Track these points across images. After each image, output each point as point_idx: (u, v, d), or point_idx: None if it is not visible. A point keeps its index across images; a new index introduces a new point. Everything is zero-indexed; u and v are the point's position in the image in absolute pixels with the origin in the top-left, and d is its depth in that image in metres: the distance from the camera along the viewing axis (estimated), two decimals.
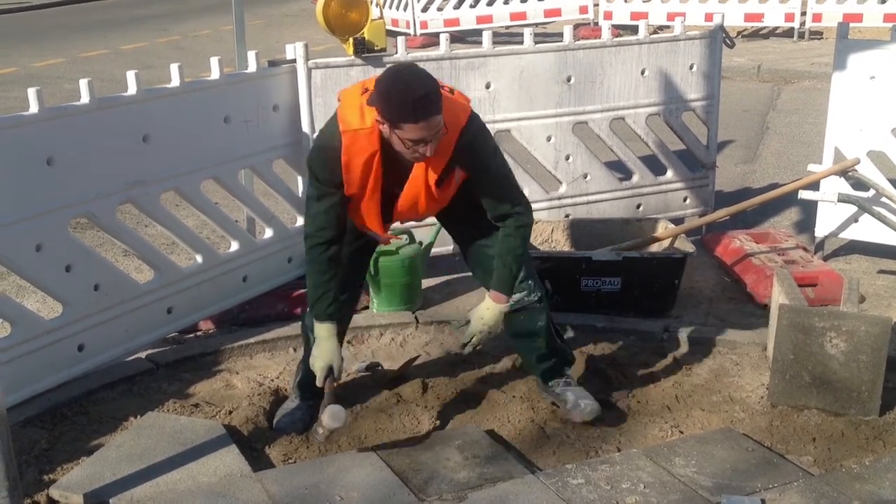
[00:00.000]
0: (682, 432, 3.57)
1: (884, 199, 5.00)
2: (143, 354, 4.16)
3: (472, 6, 14.21)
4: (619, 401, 3.82)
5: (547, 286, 4.16)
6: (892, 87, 4.95)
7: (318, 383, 3.34)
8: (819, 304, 4.36)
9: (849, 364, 3.60)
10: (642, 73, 5.25)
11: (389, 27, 12.44)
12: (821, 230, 5.35)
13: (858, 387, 3.61)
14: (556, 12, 14.58)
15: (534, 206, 3.54)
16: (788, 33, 14.09)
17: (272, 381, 4.00)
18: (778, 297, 3.95)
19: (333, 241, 3.26)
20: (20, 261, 3.57)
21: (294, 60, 4.51)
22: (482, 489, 3.13)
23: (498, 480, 3.18)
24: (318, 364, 3.32)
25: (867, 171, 5.04)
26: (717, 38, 5.45)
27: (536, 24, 13.90)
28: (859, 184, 5.04)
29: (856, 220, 5.20)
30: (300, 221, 4.74)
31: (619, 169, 5.55)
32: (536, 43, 5.00)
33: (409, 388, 3.89)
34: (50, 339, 3.72)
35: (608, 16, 14.04)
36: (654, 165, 5.54)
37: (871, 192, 5.04)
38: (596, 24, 14.25)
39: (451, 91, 3.18)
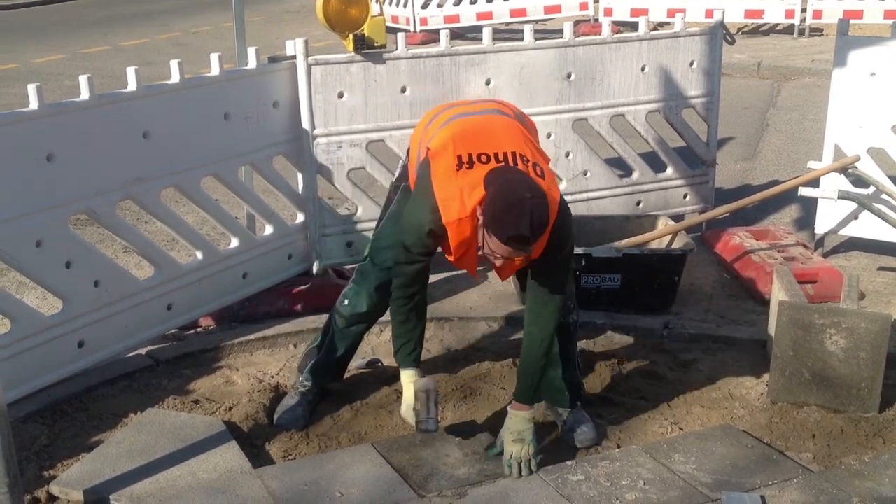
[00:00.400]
0: (681, 429, 3.57)
1: (884, 196, 5.00)
2: (143, 351, 4.17)
3: (472, 3, 14.20)
4: (619, 397, 3.82)
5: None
6: (893, 83, 4.94)
7: (421, 408, 3.27)
8: (819, 301, 4.36)
9: (848, 361, 3.60)
10: (642, 69, 5.24)
11: (389, 24, 12.43)
12: (821, 227, 5.35)
13: (858, 384, 3.61)
14: (557, 9, 14.56)
15: None
16: (789, 30, 14.08)
17: (272, 377, 4.00)
18: (778, 293, 3.96)
19: (416, 294, 3.29)
20: (20, 257, 3.57)
21: (294, 57, 4.50)
22: (482, 486, 3.13)
23: (498, 477, 3.18)
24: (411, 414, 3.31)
25: (867, 167, 5.04)
26: (718, 35, 5.44)
27: (536, 21, 13.87)
28: (859, 180, 5.04)
29: (856, 217, 5.20)
30: (300, 218, 4.74)
31: (619, 166, 5.55)
32: (536, 39, 4.99)
33: None
34: (50, 335, 3.71)
35: (608, 12, 14.01)
36: (654, 162, 5.54)
37: (872, 189, 5.03)
38: (596, 20, 14.23)
39: (542, 174, 3.05)
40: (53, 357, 3.74)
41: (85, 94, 3.69)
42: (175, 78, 4.05)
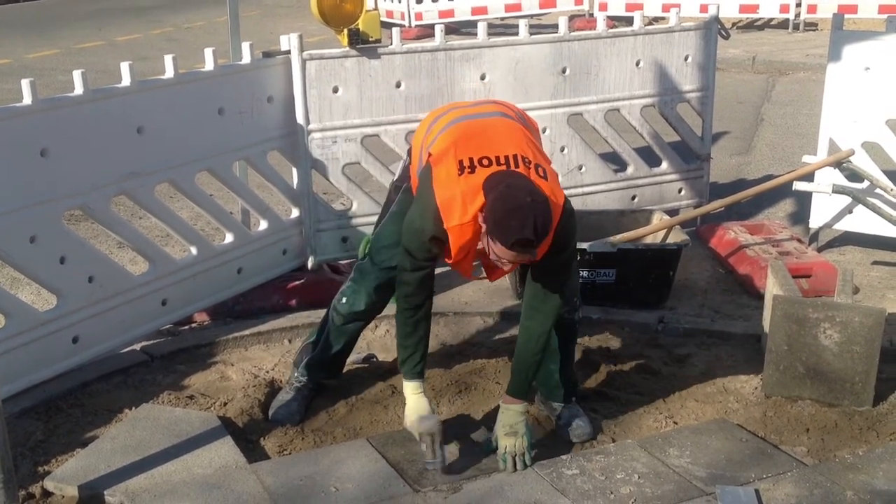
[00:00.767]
0: (676, 423, 3.58)
1: (878, 191, 5.01)
2: (137, 346, 4.16)
3: None
4: (614, 392, 3.83)
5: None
6: (887, 78, 4.95)
7: (427, 450, 3.19)
8: (813, 295, 4.37)
9: (842, 355, 3.61)
10: (637, 64, 5.24)
11: (384, 18, 12.42)
12: (815, 221, 5.36)
13: (852, 377, 3.62)
14: (552, 3, 14.57)
15: None
16: (783, 24, 14.10)
17: (267, 372, 4.00)
18: (772, 288, 3.96)
19: (422, 304, 3.26)
20: (14, 252, 3.56)
21: (289, 52, 4.50)
22: (477, 480, 3.14)
23: (493, 471, 3.19)
24: (417, 426, 3.22)
25: (862, 162, 5.04)
26: (712, 30, 5.44)
27: (531, 16, 13.87)
28: (854, 175, 5.04)
29: (850, 212, 5.21)
30: (295, 213, 4.74)
31: (613, 160, 5.55)
32: (532, 34, 4.99)
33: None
34: (44, 330, 3.71)
35: (603, 7, 14.03)
36: (648, 157, 5.54)
37: (866, 184, 5.04)
38: (591, 15, 14.25)
39: (545, 175, 3.03)
40: (48, 353, 3.74)
41: (79, 89, 3.69)
42: (169, 73, 4.04)
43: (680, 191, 5.64)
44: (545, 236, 2.87)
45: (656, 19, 13.02)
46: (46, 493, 3.12)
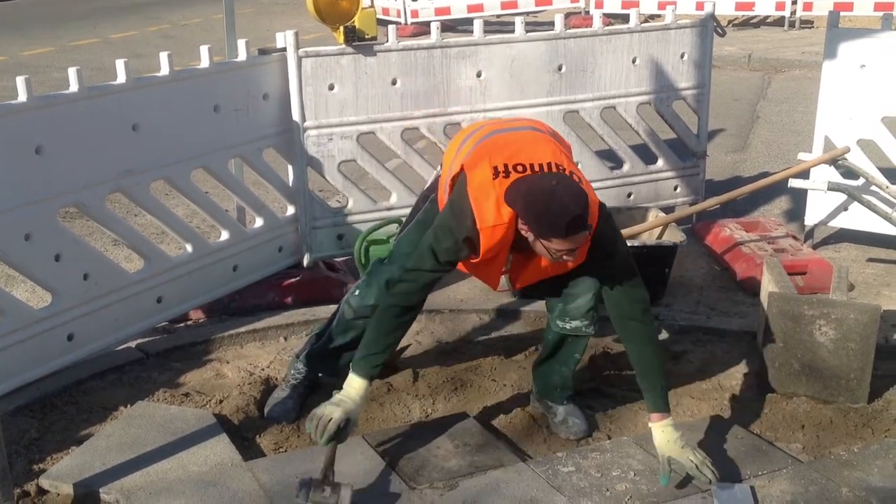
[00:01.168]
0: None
1: (873, 188, 5.01)
2: (132, 344, 4.15)
3: None
4: (609, 389, 3.83)
5: None
6: (882, 75, 4.96)
7: (324, 439, 2.99)
8: (808, 292, 4.37)
9: (838, 352, 3.61)
10: (633, 61, 5.24)
11: (380, 16, 12.39)
12: (810, 218, 5.36)
13: (847, 374, 3.62)
14: (547, 1, 14.57)
15: None
16: (779, 22, 14.10)
17: (263, 370, 4.00)
18: (768, 285, 3.97)
19: (414, 307, 3.20)
20: (9, 250, 3.55)
21: (284, 49, 4.49)
22: (473, 477, 3.14)
23: (489, 468, 3.19)
24: (337, 414, 3.01)
25: (857, 159, 5.05)
26: (708, 27, 5.44)
27: (528, 13, 13.86)
28: (849, 172, 5.05)
29: (845, 209, 5.22)
30: (290, 210, 4.73)
31: (609, 158, 5.55)
32: (527, 32, 4.99)
33: (399, 377, 3.89)
34: (39, 328, 3.70)
35: (599, 4, 14.02)
36: (644, 154, 5.54)
37: (861, 181, 5.05)
38: (587, 12, 14.24)
39: (580, 180, 3.04)
40: (43, 350, 3.73)
41: (74, 87, 3.68)
42: (164, 70, 4.03)
43: (676, 188, 5.64)
44: (587, 206, 2.86)
45: (652, 17, 13.02)
46: (42, 491, 3.12)
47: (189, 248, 4.31)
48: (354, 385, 3.11)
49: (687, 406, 3.69)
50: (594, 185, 5.30)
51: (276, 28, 4.93)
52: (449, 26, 13.03)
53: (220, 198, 5.02)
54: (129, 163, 3.92)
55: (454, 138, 3.47)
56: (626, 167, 5.48)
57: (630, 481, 3.10)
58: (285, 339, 4.30)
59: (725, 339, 4.25)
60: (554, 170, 3.00)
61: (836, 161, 4.99)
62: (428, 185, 3.66)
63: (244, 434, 3.49)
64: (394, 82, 4.71)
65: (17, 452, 3.32)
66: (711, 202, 5.06)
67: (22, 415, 3.57)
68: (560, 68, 5.07)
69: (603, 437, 3.49)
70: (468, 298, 4.71)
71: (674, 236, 4.64)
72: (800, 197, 5.59)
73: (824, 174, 5.07)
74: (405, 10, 14.30)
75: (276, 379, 3.88)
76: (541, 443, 3.48)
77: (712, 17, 5.46)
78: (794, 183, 5.01)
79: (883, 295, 4.78)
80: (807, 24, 13.88)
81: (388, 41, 4.68)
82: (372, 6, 4.68)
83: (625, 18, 5.34)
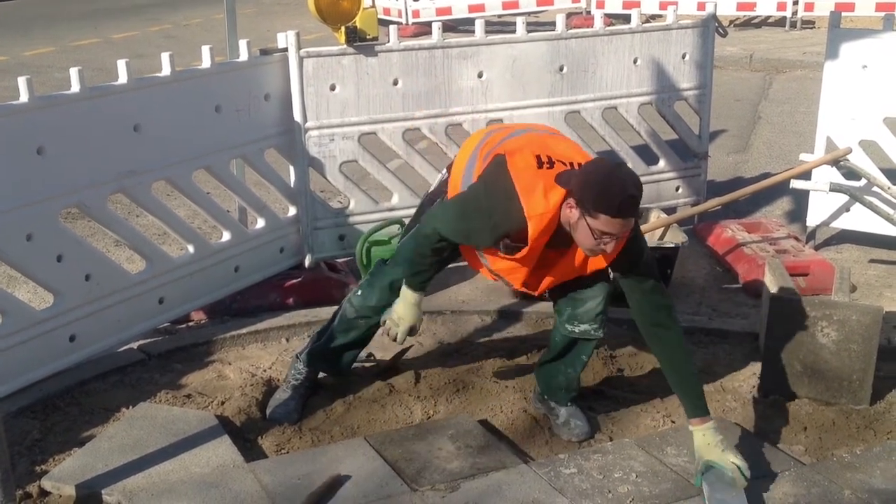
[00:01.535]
0: (674, 422, 3.58)
1: (875, 189, 5.01)
2: (134, 345, 4.15)
3: None
4: (611, 391, 3.83)
5: None
6: (884, 76, 4.95)
7: (399, 339, 3.44)
8: (810, 293, 4.37)
9: (840, 353, 3.61)
10: (635, 62, 5.24)
11: (381, 16, 12.40)
12: (812, 219, 5.36)
13: (849, 376, 3.62)
14: (549, 1, 14.57)
15: None
16: (780, 22, 14.10)
17: (265, 371, 4.00)
18: (770, 286, 3.96)
19: (445, 250, 3.30)
20: (11, 251, 3.55)
21: (286, 49, 4.49)
22: (475, 479, 3.13)
23: (490, 470, 3.18)
24: (403, 325, 3.40)
25: (859, 160, 5.05)
26: (710, 28, 5.44)
27: (529, 14, 13.86)
28: (851, 173, 5.05)
29: (847, 210, 5.21)
30: (292, 211, 4.73)
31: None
32: (529, 32, 4.99)
33: (401, 379, 3.89)
34: (41, 329, 3.70)
35: (600, 5, 14.02)
36: (646, 155, 5.54)
37: (863, 182, 5.05)
38: (588, 13, 14.23)
39: None
40: (45, 351, 3.73)
41: (75, 87, 3.67)
42: (166, 70, 4.03)
43: (677, 189, 5.64)
44: (641, 193, 2.90)
45: (654, 17, 13.02)
46: (44, 493, 3.12)
47: (191, 248, 4.31)
48: (410, 298, 3.39)
49: None
50: None
51: (277, 28, 4.92)
52: (450, 26, 13.02)
53: (222, 198, 5.02)
54: (130, 163, 3.91)
55: (464, 144, 3.46)
56: None
57: (632, 483, 3.10)
58: (287, 340, 4.30)
59: (727, 341, 4.25)
60: None
61: (837, 162, 4.99)
62: (433, 188, 3.64)
63: (246, 435, 3.49)
64: (395, 82, 4.71)
65: (19, 453, 3.31)
66: (713, 203, 5.06)
67: (24, 416, 3.57)
68: (561, 69, 5.06)
69: (605, 439, 3.49)
70: (469, 300, 4.70)
71: (675, 237, 4.63)
72: (801, 198, 5.58)
73: (826, 175, 5.07)
74: (406, 10, 14.30)
75: (278, 380, 3.87)
76: (542, 444, 3.48)
77: (714, 17, 5.46)
78: (796, 184, 5.00)
79: (885, 296, 4.77)
80: (808, 24, 13.87)
81: (389, 41, 4.68)
82: (373, 6, 4.68)
83: (626, 19, 5.33)
